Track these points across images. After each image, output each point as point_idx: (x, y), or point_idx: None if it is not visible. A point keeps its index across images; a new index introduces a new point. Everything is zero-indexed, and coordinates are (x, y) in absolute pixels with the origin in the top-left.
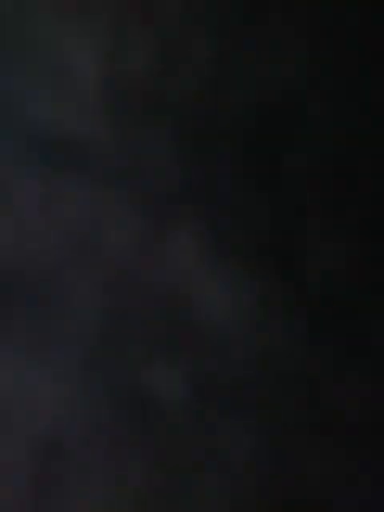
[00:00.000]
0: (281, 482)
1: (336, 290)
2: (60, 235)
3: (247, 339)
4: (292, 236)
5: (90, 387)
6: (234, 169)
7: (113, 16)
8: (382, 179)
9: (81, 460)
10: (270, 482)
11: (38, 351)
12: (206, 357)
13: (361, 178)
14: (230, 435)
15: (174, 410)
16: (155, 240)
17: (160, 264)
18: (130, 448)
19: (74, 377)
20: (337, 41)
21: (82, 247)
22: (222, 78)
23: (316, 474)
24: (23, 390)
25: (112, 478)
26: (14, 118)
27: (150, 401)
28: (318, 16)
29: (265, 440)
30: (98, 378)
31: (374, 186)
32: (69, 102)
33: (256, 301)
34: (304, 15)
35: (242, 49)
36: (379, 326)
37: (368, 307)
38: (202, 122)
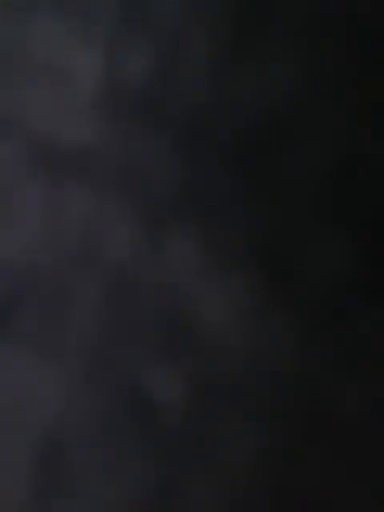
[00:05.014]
0: (281, 482)
1: (335, 291)
2: (61, 241)
3: (247, 340)
4: (290, 238)
5: (90, 388)
6: (232, 174)
7: (112, 26)
8: (376, 185)
9: (81, 460)
10: (271, 482)
11: (39, 352)
12: (205, 357)
13: (360, 180)
14: (230, 435)
15: (173, 410)
16: (155, 244)
17: (160, 267)
18: (130, 448)
19: (74, 377)
20: (332, 54)
21: (83, 252)
22: (220, 88)
23: (316, 474)
24: (24, 390)
25: (112, 478)
26: (14, 127)
27: (150, 401)
28: (313, 30)
29: (265, 440)
30: (99, 378)
31: (371, 192)
32: (69, 112)
33: (255, 302)
34: (300, 28)
35: (241, 60)
36: (378, 327)
37: (367, 308)
38: (200, 130)
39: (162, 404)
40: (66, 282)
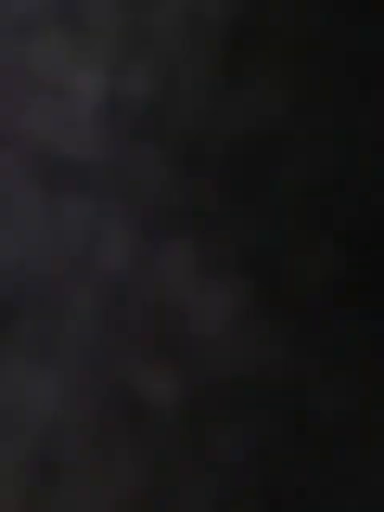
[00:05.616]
0: (274, 485)
1: (323, 297)
2: (60, 250)
3: (238, 344)
4: (280, 246)
5: (84, 390)
6: (225, 187)
7: (114, 44)
8: (365, 195)
9: (75, 461)
10: (263, 485)
11: (35, 354)
12: (197, 361)
13: (345, 194)
14: (221, 437)
15: (166, 412)
16: (152, 253)
17: (155, 275)
18: (124, 449)
19: (69, 380)
20: (322, 75)
21: (81, 260)
22: (216, 108)
23: (307, 475)
24: (18, 392)
25: (107, 479)
26: (15, 140)
27: (144, 403)
28: (302, 57)
29: (255, 442)
30: (93, 381)
31: (359, 201)
32: (69, 126)
33: (247, 308)
34: (290, 55)
35: (235, 82)
36: (365, 332)
37: (354, 313)
38: (196, 146)
39: (155, 406)
40: (64, 289)
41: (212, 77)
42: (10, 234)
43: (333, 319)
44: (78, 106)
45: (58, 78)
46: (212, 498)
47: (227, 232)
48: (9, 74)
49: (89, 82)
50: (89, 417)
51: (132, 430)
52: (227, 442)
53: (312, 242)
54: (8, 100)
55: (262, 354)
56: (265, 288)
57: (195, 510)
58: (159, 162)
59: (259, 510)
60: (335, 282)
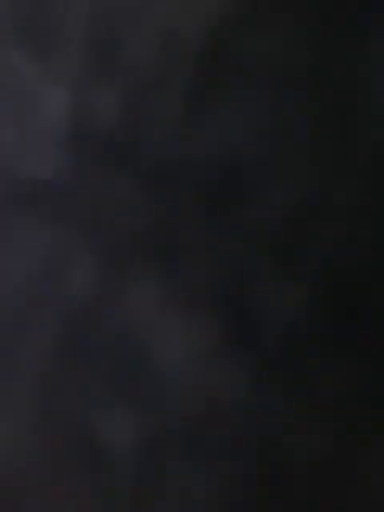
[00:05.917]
0: None
1: (290, 332)
2: (21, 279)
3: (201, 385)
4: (250, 279)
5: (41, 427)
6: (193, 216)
7: (80, 66)
8: (339, 227)
9: (30, 503)
10: None
11: None
12: (158, 402)
13: (320, 227)
14: (180, 481)
15: (123, 454)
16: (116, 283)
17: (120, 307)
18: (79, 487)
19: (25, 416)
20: (297, 100)
21: (42, 290)
22: (184, 132)
23: None
24: None
25: None
26: None
27: (102, 442)
28: (273, 84)
29: (218, 483)
30: (50, 417)
31: (333, 234)
32: (32, 149)
33: (212, 347)
34: (261, 82)
35: (210, 97)
36: (332, 373)
37: (320, 348)
38: (163, 172)
39: (115, 445)
40: (25, 320)
41: (179, 104)
42: None
43: (298, 358)
44: (41, 130)
45: (22, 102)
46: None
47: (194, 263)
48: None
49: (53, 106)
50: (47, 456)
51: (92, 469)
52: (188, 481)
53: (279, 280)
54: None
55: (226, 393)
56: (231, 326)
57: None
58: (122, 188)
59: None
60: (302, 321)
